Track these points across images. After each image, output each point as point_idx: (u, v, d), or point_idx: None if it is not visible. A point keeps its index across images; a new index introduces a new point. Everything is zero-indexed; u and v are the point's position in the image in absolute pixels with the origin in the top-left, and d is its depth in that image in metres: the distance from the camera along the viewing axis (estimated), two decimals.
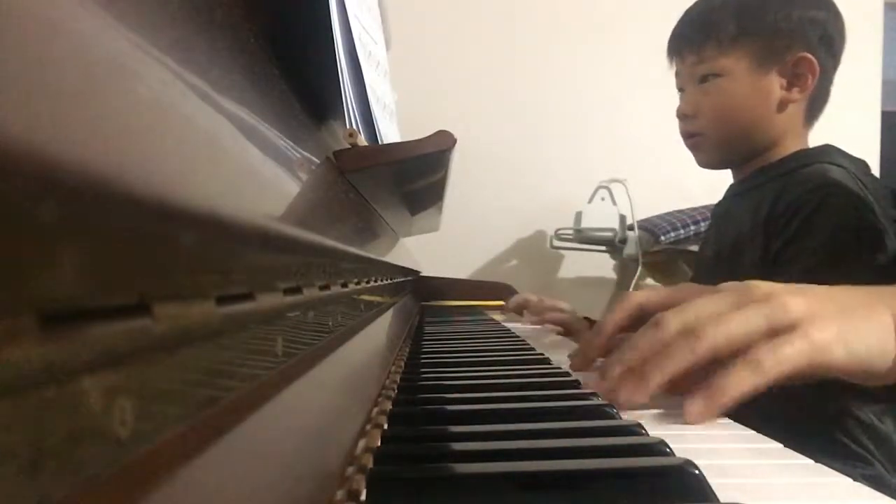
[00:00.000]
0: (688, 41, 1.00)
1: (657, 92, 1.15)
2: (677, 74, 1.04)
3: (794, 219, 0.86)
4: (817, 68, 0.94)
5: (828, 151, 0.94)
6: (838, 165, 0.90)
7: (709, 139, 1.00)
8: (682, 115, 1.02)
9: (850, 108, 2.26)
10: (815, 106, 0.99)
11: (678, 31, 1.02)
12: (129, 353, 0.13)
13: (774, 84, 0.95)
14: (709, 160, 1.03)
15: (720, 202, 1.11)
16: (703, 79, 0.98)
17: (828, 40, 0.95)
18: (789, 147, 0.97)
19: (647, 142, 2.11)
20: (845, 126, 2.17)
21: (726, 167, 1.05)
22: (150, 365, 0.14)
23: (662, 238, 1.91)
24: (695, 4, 1.02)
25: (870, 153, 2.29)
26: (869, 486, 0.30)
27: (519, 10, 2.23)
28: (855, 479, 0.31)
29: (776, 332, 0.43)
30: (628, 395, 0.43)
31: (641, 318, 0.55)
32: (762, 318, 0.43)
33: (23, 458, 0.10)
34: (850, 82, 2.27)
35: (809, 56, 0.93)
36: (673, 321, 0.45)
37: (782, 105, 0.95)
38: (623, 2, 2.23)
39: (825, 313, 0.43)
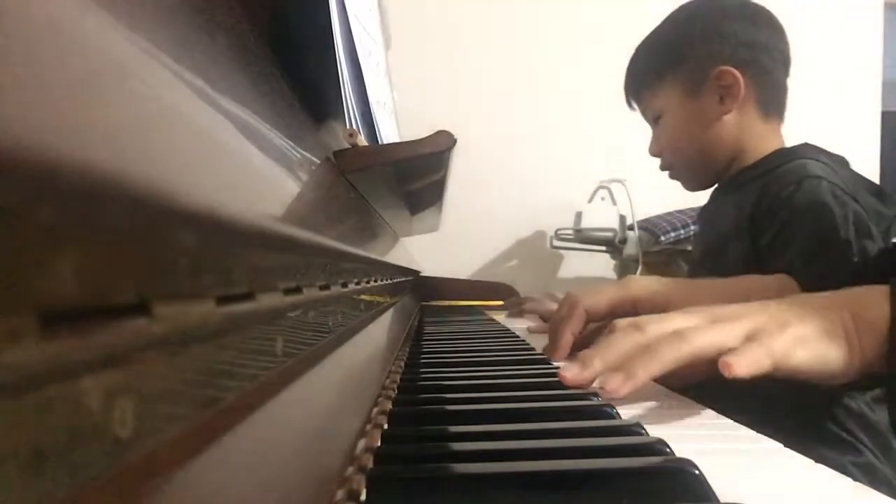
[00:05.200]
0: (629, 93, 1.12)
1: None
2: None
3: (781, 212, 0.90)
4: (739, 76, 0.99)
5: (805, 149, 0.99)
6: (816, 160, 0.94)
7: (680, 170, 1.09)
8: (652, 155, 1.12)
9: (850, 108, 2.26)
10: (769, 103, 1.03)
11: (624, 83, 1.12)
12: (129, 353, 0.13)
13: (709, 103, 1.01)
14: (691, 186, 1.12)
15: (706, 205, 1.16)
16: (654, 121, 1.08)
17: (747, 44, 1.00)
18: (762, 146, 1.02)
19: (646, 142, 2.11)
20: (845, 126, 2.18)
21: (710, 186, 1.12)
22: (150, 365, 0.14)
23: (662, 238, 1.91)
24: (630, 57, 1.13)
25: (870, 153, 2.28)
26: (859, 474, 0.30)
27: (519, 10, 2.23)
28: (845, 468, 0.31)
29: (750, 338, 0.47)
30: (614, 389, 0.45)
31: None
32: (738, 331, 0.47)
33: (23, 458, 0.10)
34: (850, 82, 2.28)
35: (726, 68, 0.99)
36: (654, 327, 0.49)
37: (721, 118, 1.02)
38: (623, 2, 2.23)
39: (785, 326, 0.47)
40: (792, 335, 0.46)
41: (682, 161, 1.08)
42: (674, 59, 1.03)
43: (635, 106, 1.13)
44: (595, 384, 0.48)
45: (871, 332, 0.47)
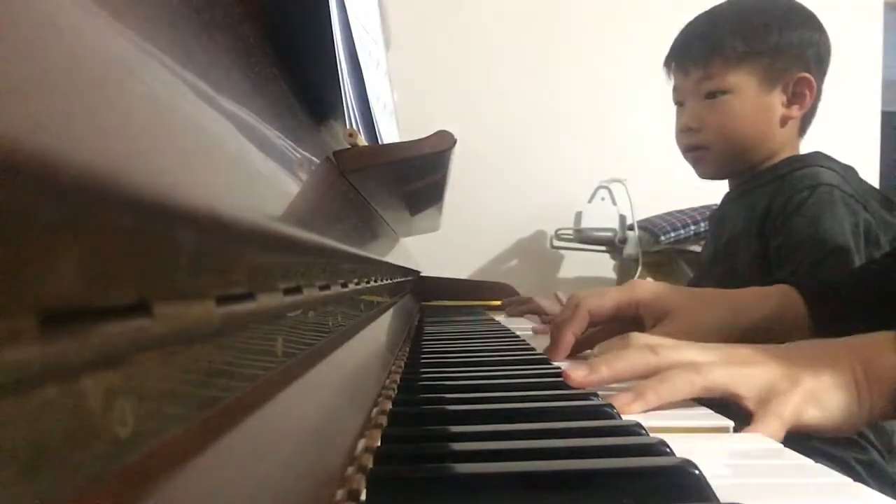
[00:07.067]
0: (692, 57, 1.02)
1: (657, 92, 1.16)
2: (676, 89, 1.07)
3: (793, 216, 0.92)
4: (815, 87, 1.00)
5: (817, 157, 1.00)
6: (828, 168, 0.96)
7: (712, 153, 1.04)
8: (686, 129, 1.04)
9: (850, 108, 2.26)
10: (808, 120, 1.05)
11: (681, 45, 1.05)
12: (129, 353, 0.13)
13: (777, 101, 1.00)
14: (710, 172, 1.07)
15: (716, 209, 1.15)
16: (710, 94, 1.01)
17: (820, 60, 1.02)
18: (784, 155, 1.03)
19: (647, 142, 2.11)
20: (845, 126, 2.17)
21: (725, 178, 1.10)
22: (150, 365, 0.14)
23: (662, 238, 1.91)
24: (696, 20, 1.05)
25: (870, 153, 2.28)
26: (863, 471, 0.30)
27: (519, 10, 2.23)
28: (849, 464, 0.31)
29: (764, 401, 0.46)
30: (621, 406, 0.45)
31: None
32: (754, 380, 0.46)
33: (23, 458, 0.10)
34: (850, 82, 2.28)
35: (809, 76, 0.99)
36: (670, 353, 0.49)
37: (783, 121, 1.01)
38: (623, 2, 2.23)
39: (797, 382, 0.46)
40: (803, 392, 0.46)
41: (723, 145, 1.02)
42: (766, 45, 0.99)
43: (679, 71, 1.04)
44: (601, 399, 0.48)
45: (880, 384, 0.47)
